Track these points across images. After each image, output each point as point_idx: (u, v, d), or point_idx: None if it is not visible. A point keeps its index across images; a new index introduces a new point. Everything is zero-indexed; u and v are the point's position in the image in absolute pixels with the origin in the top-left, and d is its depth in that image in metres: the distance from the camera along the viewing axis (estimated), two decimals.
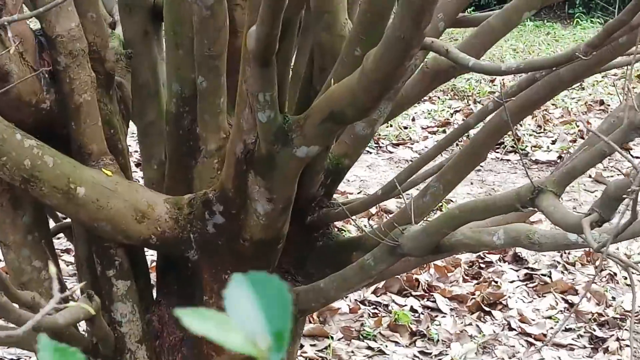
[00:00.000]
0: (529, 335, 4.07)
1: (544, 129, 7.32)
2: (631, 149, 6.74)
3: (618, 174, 6.22)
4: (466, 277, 4.67)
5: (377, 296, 4.36)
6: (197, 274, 2.20)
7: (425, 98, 7.50)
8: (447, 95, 8.34)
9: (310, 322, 4.03)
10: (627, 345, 3.85)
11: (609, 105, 8.01)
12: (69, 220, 2.47)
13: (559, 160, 6.55)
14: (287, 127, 1.81)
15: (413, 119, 7.58)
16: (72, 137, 2.16)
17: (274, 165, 1.88)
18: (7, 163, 2.00)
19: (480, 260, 4.83)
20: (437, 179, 2.06)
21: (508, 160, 6.74)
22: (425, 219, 2.18)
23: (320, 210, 2.24)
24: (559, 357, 3.87)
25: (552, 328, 4.14)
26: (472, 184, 6.13)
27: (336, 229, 2.31)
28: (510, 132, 1.91)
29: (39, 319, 1.73)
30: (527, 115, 1.93)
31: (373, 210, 5.08)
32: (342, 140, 2.18)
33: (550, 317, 4.23)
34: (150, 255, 2.55)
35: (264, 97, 1.77)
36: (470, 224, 1.82)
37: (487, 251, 4.72)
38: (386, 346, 3.99)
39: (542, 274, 4.69)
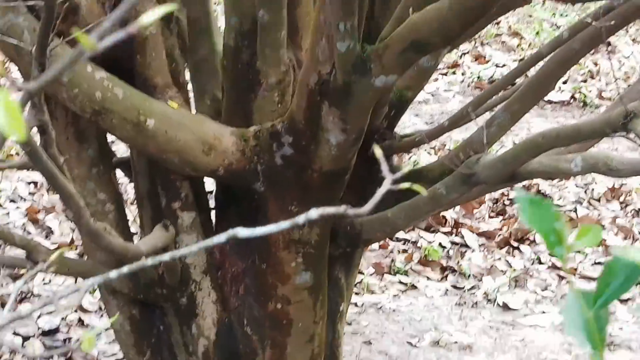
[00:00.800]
0: (559, 269, 4.14)
1: None
2: None
3: None
4: (492, 214, 4.73)
5: (406, 232, 4.42)
6: (262, 206, 2.24)
7: None
8: None
9: None
10: None
11: (615, 46, 7.99)
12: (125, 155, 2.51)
13: (572, 101, 6.57)
14: (365, 57, 1.84)
15: None
16: (136, 70, 2.18)
17: (351, 95, 1.91)
18: (79, 95, 2.02)
19: (504, 197, 4.88)
20: (504, 110, 2.10)
21: None
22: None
23: (383, 142, 2.28)
24: None
25: (581, 262, 4.22)
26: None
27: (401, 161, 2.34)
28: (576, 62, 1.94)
29: (127, 247, 1.77)
30: (599, 44, 1.96)
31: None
32: (406, 72, 2.20)
33: (578, 252, 4.30)
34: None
35: (344, 27, 1.79)
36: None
37: (510, 188, 4.76)
38: (418, 281, 4.06)
39: (568, 210, 4.76)
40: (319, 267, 2.27)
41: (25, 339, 3.48)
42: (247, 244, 2.36)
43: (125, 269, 0.76)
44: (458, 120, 2.15)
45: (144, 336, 2.42)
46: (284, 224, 0.70)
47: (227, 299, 2.38)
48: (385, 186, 0.71)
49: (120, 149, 3.08)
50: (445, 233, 4.45)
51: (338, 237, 2.32)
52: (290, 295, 2.26)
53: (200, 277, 2.33)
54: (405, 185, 0.78)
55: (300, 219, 0.69)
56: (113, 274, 0.73)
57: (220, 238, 0.70)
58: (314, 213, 0.71)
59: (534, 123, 5.71)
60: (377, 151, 0.81)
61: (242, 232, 0.70)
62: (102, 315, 3.57)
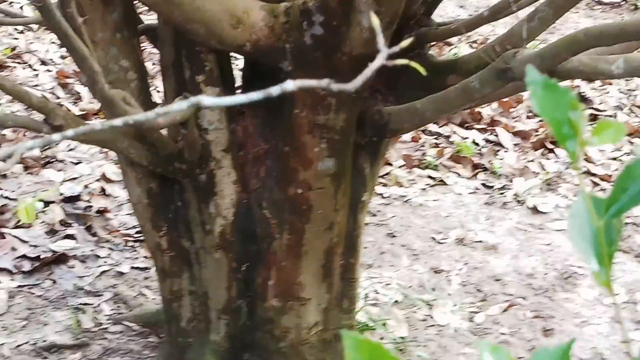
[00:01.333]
0: (594, 175, 4.07)
1: None
2: None
3: None
4: (529, 114, 4.63)
5: (439, 126, 4.35)
6: None
7: None
8: None
9: None
10: None
11: None
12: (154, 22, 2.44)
13: (623, 3, 6.36)
14: None
15: None
16: None
17: None
18: None
19: None
20: (547, 4, 1.99)
21: None
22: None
23: (419, 29, 2.19)
24: None
25: (616, 170, 4.13)
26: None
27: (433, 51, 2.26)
28: None
29: (145, 116, 1.74)
30: None
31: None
32: None
33: (614, 159, 4.22)
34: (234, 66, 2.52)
35: None
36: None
37: None
38: (448, 177, 4.01)
39: (608, 115, 4.65)
40: (343, 154, 2.22)
41: (46, 204, 3.49)
42: (271, 125, 2.31)
43: (118, 121, 0.71)
44: (499, 11, 2.06)
45: (161, 211, 2.40)
46: (256, 94, 0.65)
47: (247, 180, 2.34)
48: (379, 60, 0.65)
49: (146, 19, 3.01)
50: (479, 130, 4.38)
51: (365, 126, 2.26)
52: (311, 181, 2.22)
53: (220, 155, 2.29)
54: (402, 61, 0.71)
55: (275, 89, 0.63)
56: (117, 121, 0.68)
57: (182, 105, 0.64)
58: (291, 84, 0.65)
59: (582, 24, 5.54)
60: (375, 20, 0.74)
61: (206, 100, 0.64)
62: (125, 187, 3.58)
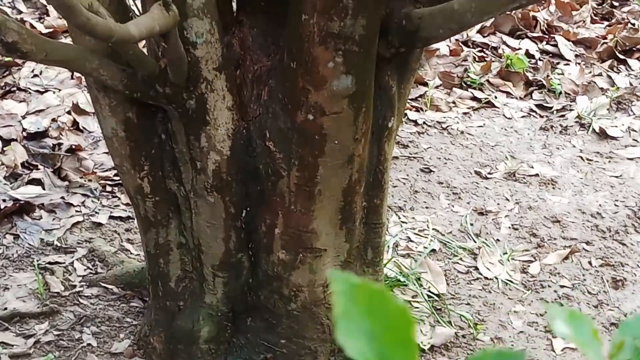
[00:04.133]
0: None
1: None
2: None
3: None
4: (595, 18, 4.55)
5: (484, 36, 4.28)
6: None
7: None
8: None
9: None
10: None
11: None
12: None
13: None
14: None
15: None
16: None
17: None
18: None
19: None
20: None
21: None
22: None
23: None
24: None
25: None
26: None
27: None
28: None
29: (111, 28, 1.68)
30: None
31: None
32: None
33: None
34: None
35: None
36: None
37: None
38: (495, 97, 3.96)
39: None
40: (364, 70, 2.17)
41: (6, 142, 3.46)
42: (274, 36, 2.26)
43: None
44: None
45: (141, 146, 2.37)
46: None
47: (246, 105, 2.31)
48: None
49: None
50: (534, 39, 4.31)
51: (390, 34, 2.21)
52: (325, 104, 2.18)
53: (213, 75, 2.24)
54: None
55: None
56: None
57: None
58: None
59: None
60: None
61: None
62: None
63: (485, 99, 3.93)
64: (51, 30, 4.21)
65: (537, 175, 3.50)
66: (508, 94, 3.97)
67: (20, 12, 4.36)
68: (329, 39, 2.10)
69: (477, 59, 4.15)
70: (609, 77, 4.07)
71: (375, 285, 0.62)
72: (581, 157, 3.62)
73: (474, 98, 3.95)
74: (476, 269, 3.03)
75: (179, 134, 2.33)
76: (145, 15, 1.87)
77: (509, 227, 3.23)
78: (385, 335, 0.61)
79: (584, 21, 4.48)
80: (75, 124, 3.65)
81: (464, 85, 4.00)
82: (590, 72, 4.10)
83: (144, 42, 2.37)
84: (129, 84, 2.21)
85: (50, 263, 2.99)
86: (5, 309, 2.80)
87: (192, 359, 2.57)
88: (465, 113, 3.87)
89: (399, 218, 3.22)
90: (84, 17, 1.64)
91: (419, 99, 3.88)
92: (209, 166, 2.32)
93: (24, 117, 3.65)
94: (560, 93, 3.95)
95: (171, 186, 2.42)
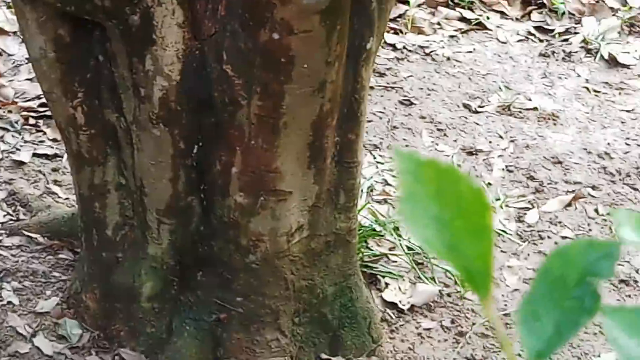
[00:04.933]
0: None
1: None
2: None
3: None
4: None
5: None
6: None
7: None
8: None
9: None
10: None
11: None
12: None
13: None
14: None
15: None
16: None
17: None
18: None
19: None
20: None
21: None
22: None
23: None
24: None
25: None
26: None
27: None
28: None
29: None
30: None
31: None
32: None
33: None
34: None
35: None
36: None
37: None
38: (488, 18, 3.99)
39: None
40: None
41: None
42: None
43: None
44: None
45: (74, 69, 2.38)
46: None
47: (199, 21, 2.32)
48: None
49: None
50: None
51: None
52: (293, 21, 2.19)
53: None
54: None
55: None
56: None
57: None
58: None
59: None
60: None
61: None
62: (22, 38, 3.53)
63: (476, 19, 3.96)
64: None
65: (535, 109, 3.54)
66: (502, 14, 4.00)
67: None
68: None
69: None
70: None
71: (444, 163, 0.62)
72: (587, 89, 3.66)
73: (462, 19, 3.97)
74: None
75: (120, 55, 2.34)
76: None
77: (503, 169, 3.27)
78: (456, 221, 0.60)
79: None
80: None
81: (451, 3, 4.03)
82: None
83: None
84: None
85: None
86: None
87: (131, 319, 2.59)
88: (452, 36, 3.90)
89: (375, 158, 3.25)
90: None
91: (398, 19, 3.90)
92: (154, 93, 2.34)
93: None
94: (564, 13, 3.98)
95: (109, 117, 2.43)
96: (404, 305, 2.76)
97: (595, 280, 0.64)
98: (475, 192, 0.61)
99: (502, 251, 2.97)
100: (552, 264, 0.64)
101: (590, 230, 3.06)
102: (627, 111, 3.55)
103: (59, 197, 3.08)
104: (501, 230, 3.03)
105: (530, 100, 3.58)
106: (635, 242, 0.66)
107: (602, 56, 3.79)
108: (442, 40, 3.86)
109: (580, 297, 0.63)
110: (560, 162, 3.31)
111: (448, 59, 3.77)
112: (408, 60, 3.75)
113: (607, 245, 0.64)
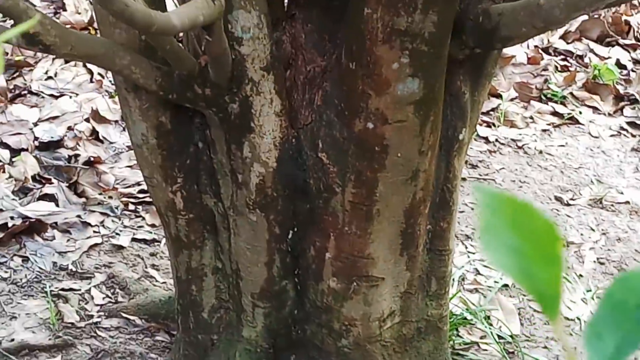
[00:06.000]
0: None
1: None
2: None
3: None
4: None
5: (568, 42, 4.32)
6: None
7: None
8: None
9: None
10: None
11: None
12: None
13: None
14: None
15: None
16: None
17: None
18: None
19: None
20: None
21: None
22: None
23: None
24: None
25: None
26: None
27: None
28: None
29: (151, 16, 1.74)
30: None
31: None
32: None
33: None
34: None
35: None
36: None
37: None
38: (580, 113, 3.98)
39: None
40: (433, 73, 2.21)
41: (15, 152, 3.53)
42: (331, 32, 2.30)
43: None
44: None
45: (174, 155, 2.41)
46: None
47: (296, 110, 2.35)
48: None
49: None
50: (626, 47, 4.33)
51: (464, 32, 2.25)
52: (387, 111, 2.22)
53: (259, 76, 2.29)
54: None
55: None
56: None
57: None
58: None
59: None
60: None
61: None
62: (124, 129, 3.60)
63: (569, 114, 3.96)
64: (68, 27, 4.29)
65: (627, 202, 3.52)
66: (595, 109, 3.99)
67: (34, 5, 4.45)
68: (395, 36, 2.14)
69: (559, 69, 4.18)
70: None
71: (520, 198, 0.68)
72: None
73: (554, 113, 3.97)
74: None
75: (219, 142, 2.38)
76: (188, 4, 1.93)
77: (594, 262, 3.25)
78: (530, 250, 0.66)
79: None
80: (94, 133, 3.71)
81: (544, 98, 4.03)
82: None
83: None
84: (164, 83, 2.26)
85: (63, 290, 3.04)
86: (12, 340, 2.85)
87: None
88: (544, 130, 3.90)
89: (466, 248, 3.25)
90: (122, 2, 1.71)
91: (491, 112, 3.92)
92: (251, 180, 2.36)
93: (35, 125, 3.72)
94: None
95: (207, 202, 2.46)
96: None
97: None
98: (548, 225, 0.67)
99: None
100: (615, 290, 0.70)
101: None
102: None
103: (157, 280, 3.11)
104: None
105: (622, 194, 3.56)
106: None
107: None
108: (534, 134, 3.86)
109: (638, 319, 0.68)
110: None
111: (540, 152, 3.77)
112: (500, 153, 3.75)
113: None
